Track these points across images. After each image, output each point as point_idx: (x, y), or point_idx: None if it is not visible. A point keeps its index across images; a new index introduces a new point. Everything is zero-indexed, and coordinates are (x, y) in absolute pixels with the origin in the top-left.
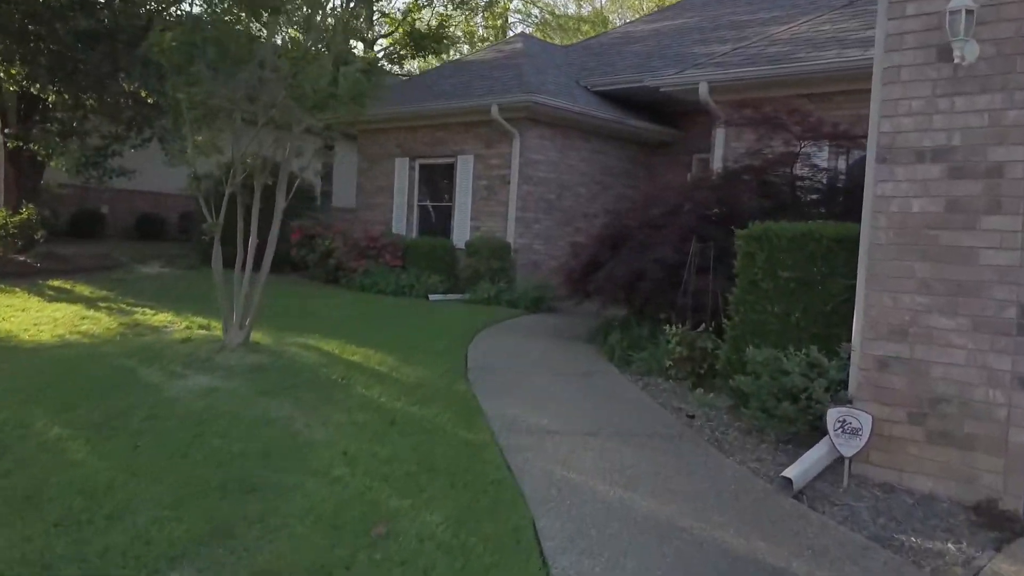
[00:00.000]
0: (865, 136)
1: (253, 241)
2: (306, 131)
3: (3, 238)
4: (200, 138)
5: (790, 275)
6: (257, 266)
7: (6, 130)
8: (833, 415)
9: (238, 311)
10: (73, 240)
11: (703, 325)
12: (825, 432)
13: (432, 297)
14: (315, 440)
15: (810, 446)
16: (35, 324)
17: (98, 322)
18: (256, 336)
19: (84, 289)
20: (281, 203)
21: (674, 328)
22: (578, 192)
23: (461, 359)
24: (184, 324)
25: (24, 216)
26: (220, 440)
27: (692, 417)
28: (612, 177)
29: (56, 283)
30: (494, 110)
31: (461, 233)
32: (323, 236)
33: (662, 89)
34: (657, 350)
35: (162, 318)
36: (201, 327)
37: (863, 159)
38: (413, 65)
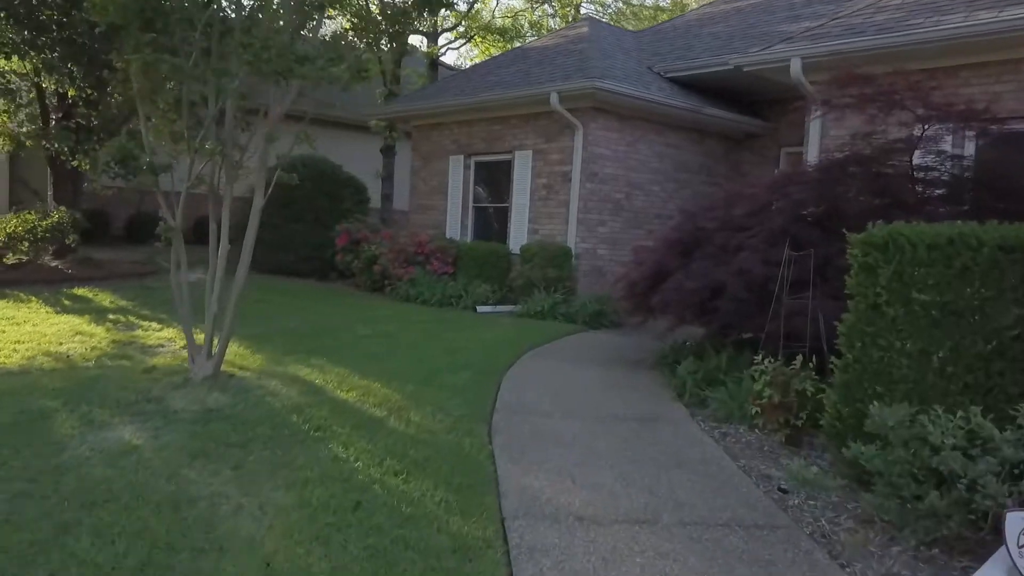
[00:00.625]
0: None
1: (223, 251)
2: (288, 117)
3: (32, 242)
4: (155, 120)
5: (931, 298)
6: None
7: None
8: (1016, 523)
9: (207, 334)
10: (127, 245)
11: (800, 359)
12: (999, 540)
13: (480, 309)
14: (236, 536)
15: (968, 554)
16: (17, 342)
17: (88, 340)
18: (247, 359)
19: (105, 298)
20: (259, 201)
21: (762, 361)
22: (650, 191)
23: (489, 395)
24: (182, 344)
25: (55, 219)
26: (91, 540)
27: (786, 492)
28: (689, 174)
29: (79, 291)
30: (553, 99)
31: (518, 237)
32: (370, 241)
33: (746, 68)
34: (739, 389)
35: (165, 335)
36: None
37: (996, 144)
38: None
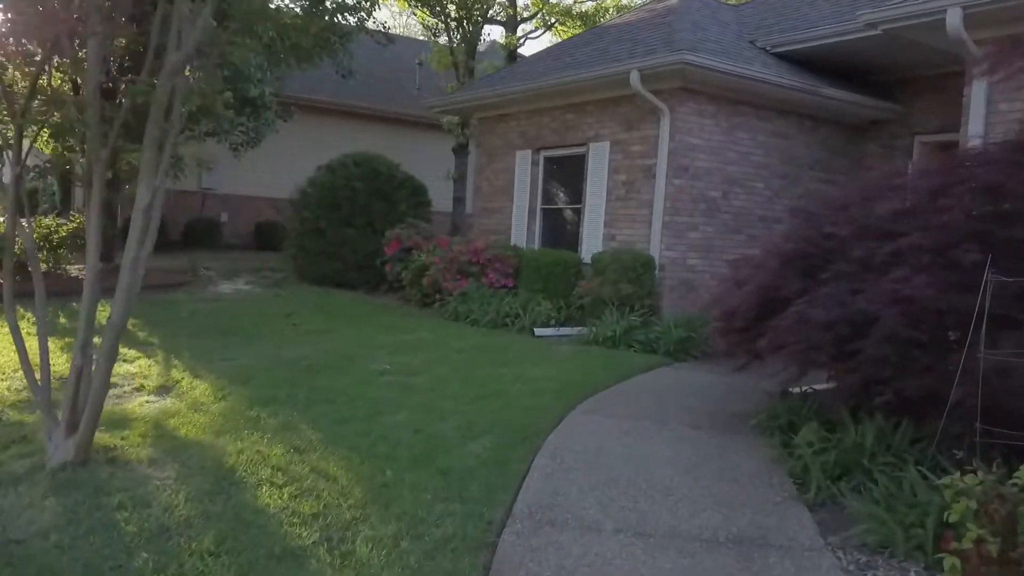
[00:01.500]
0: None
1: (93, 265)
2: (343, 113)
3: (50, 250)
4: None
5: None
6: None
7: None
8: None
9: (67, 399)
10: (183, 251)
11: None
12: None
13: (539, 332)
14: None
15: None
16: None
17: (9, 378)
18: (188, 417)
19: (103, 316)
20: (143, 197)
21: (956, 465)
22: (752, 188)
23: (508, 487)
24: (133, 386)
25: (75, 224)
26: None
27: None
28: (799, 169)
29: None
30: (634, 78)
31: (592, 244)
32: (423, 249)
33: (884, 27)
34: (899, 504)
35: (136, 368)
36: (175, 384)
37: None
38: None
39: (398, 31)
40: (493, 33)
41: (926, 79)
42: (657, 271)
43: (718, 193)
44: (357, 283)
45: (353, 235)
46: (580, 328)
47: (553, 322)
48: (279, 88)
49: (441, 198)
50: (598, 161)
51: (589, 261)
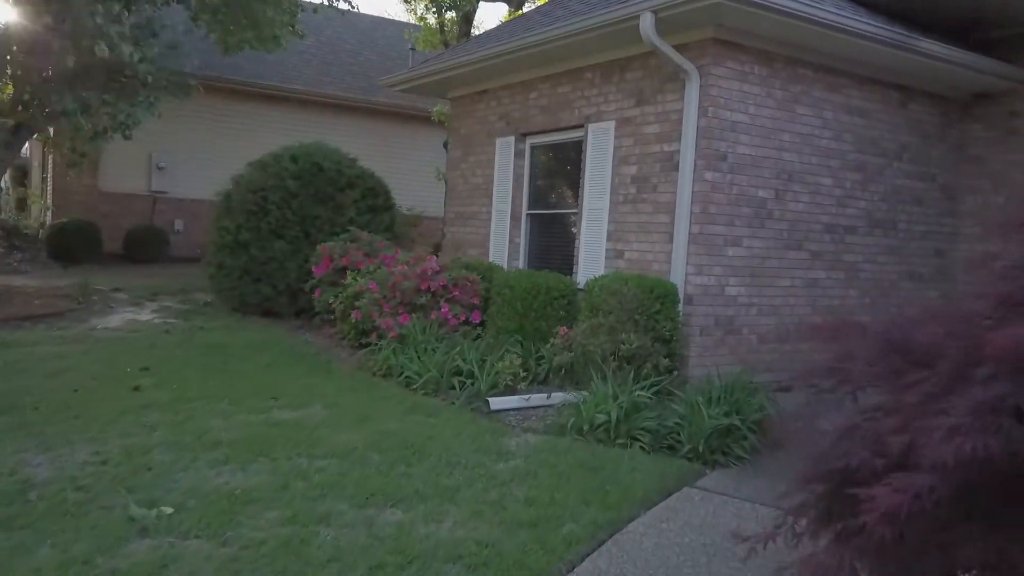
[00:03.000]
0: None
1: None
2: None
3: None
4: None
5: None
6: None
7: None
8: None
9: None
10: (121, 264)
11: None
12: None
13: (496, 404)
14: None
15: None
16: None
17: None
18: None
19: None
20: None
21: None
22: (817, 185)
23: None
24: None
25: None
26: None
27: None
28: (882, 159)
29: None
30: (646, 24)
31: (591, 263)
32: (361, 270)
33: None
34: None
35: None
36: None
37: None
38: None
39: (394, 15)
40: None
41: None
42: (681, 306)
43: (769, 192)
44: (288, 312)
45: (283, 250)
46: (563, 394)
47: (523, 384)
48: (197, 66)
49: (435, 202)
50: (599, 148)
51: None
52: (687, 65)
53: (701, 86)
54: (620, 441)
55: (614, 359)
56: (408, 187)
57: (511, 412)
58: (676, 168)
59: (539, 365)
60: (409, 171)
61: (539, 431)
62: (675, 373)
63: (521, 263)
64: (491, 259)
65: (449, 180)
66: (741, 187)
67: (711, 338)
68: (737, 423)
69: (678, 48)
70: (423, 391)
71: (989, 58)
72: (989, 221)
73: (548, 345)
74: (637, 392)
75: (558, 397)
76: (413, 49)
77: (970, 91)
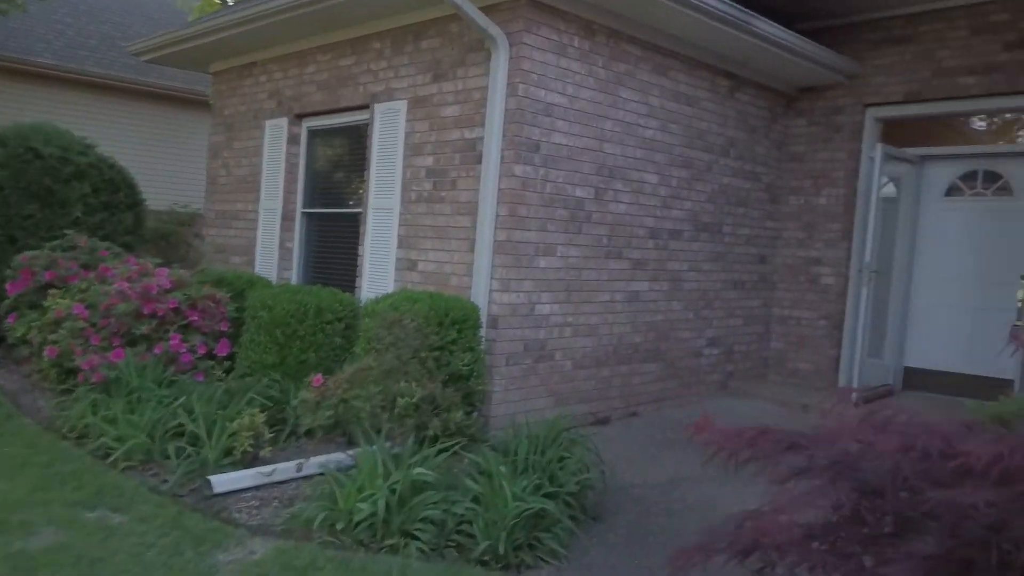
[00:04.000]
0: None
1: None
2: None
3: None
4: None
5: None
6: None
7: None
8: None
9: None
10: None
11: None
12: None
13: (221, 485)
14: None
15: None
16: None
17: None
18: None
19: None
20: None
21: None
22: (642, 183)
23: None
24: None
25: None
26: None
27: None
28: (710, 155)
29: None
30: None
31: (377, 276)
32: (79, 284)
33: None
34: None
35: None
36: None
37: None
38: None
39: None
40: None
41: (885, 24)
42: (483, 331)
43: (588, 191)
44: None
45: None
46: (324, 458)
47: (269, 448)
48: None
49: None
50: (388, 134)
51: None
52: (494, 31)
53: (510, 58)
54: (391, 541)
55: (389, 416)
56: (187, 181)
57: (245, 494)
58: (479, 160)
59: (295, 420)
60: (187, 163)
61: (275, 531)
62: (474, 416)
63: (294, 275)
64: (257, 270)
65: (209, 171)
66: (556, 184)
67: (519, 367)
68: (551, 508)
69: (485, 10)
70: (126, 464)
71: (826, 48)
72: (810, 225)
73: (295, 401)
74: (417, 469)
75: (317, 464)
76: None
77: (796, 83)
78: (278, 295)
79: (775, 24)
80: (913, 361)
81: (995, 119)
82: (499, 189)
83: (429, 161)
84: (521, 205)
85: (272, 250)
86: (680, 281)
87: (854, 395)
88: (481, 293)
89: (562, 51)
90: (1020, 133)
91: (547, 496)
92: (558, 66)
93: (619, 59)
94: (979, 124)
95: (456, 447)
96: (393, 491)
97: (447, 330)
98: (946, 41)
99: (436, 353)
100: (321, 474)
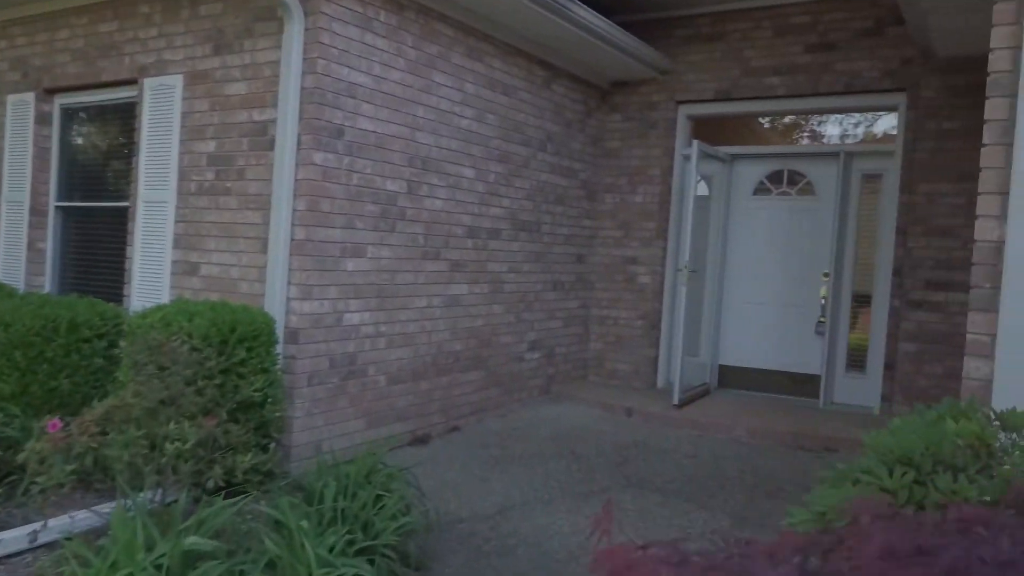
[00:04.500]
0: None
1: None
2: None
3: None
4: None
5: None
6: None
7: None
8: None
9: None
10: None
11: None
12: None
13: None
14: None
15: None
16: None
17: None
18: None
19: None
20: None
21: None
22: (459, 177)
23: None
24: None
25: None
26: None
27: None
28: (527, 147)
29: None
30: None
31: (150, 282)
32: None
33: None
34: None
35: None
36: None
37: None
38: None
39: None
40: None
41: (695, 21)
42: (280, 347)
43: (400, 185)
44: None
45: None
46: (70, 519)
47: None
48: None
49: None
50: (161, 114)
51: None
52: None
53: (307, 29)
54: None
55: (156, 466)
56: None
57: None
58: (272, 146)
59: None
60: None
61: None
62: (272, 449)
63: (48, 283)
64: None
65: None
66: (364, 176)
67: (325, 387)
68: (366, 573)
69: None
70: None
71: (642, 41)
72: (626, 223)
73: (22, 455)
74: (190, 539)
75: (59, 529)
76: None
77: (611, 77)
78: (18, 308)
79: (593, 11)
80: (728, 359)
81: (801, 120)
82: (296, 180)
83: (212, 146)
84: (323, 199)
85: (19, 252)
86: (500, 283)
87: (676, 397)
88: (277, 302)
89: (367, 25)
90: (823, 134)
91: (362, 552)
92: (363, 42)
93: (431, 39)
94: (785, 124)
95: (246, 498)
96: (159, 567)
97: (234, 349)
98: (753, 41)
99: (219, 379)
100: (76, 533)
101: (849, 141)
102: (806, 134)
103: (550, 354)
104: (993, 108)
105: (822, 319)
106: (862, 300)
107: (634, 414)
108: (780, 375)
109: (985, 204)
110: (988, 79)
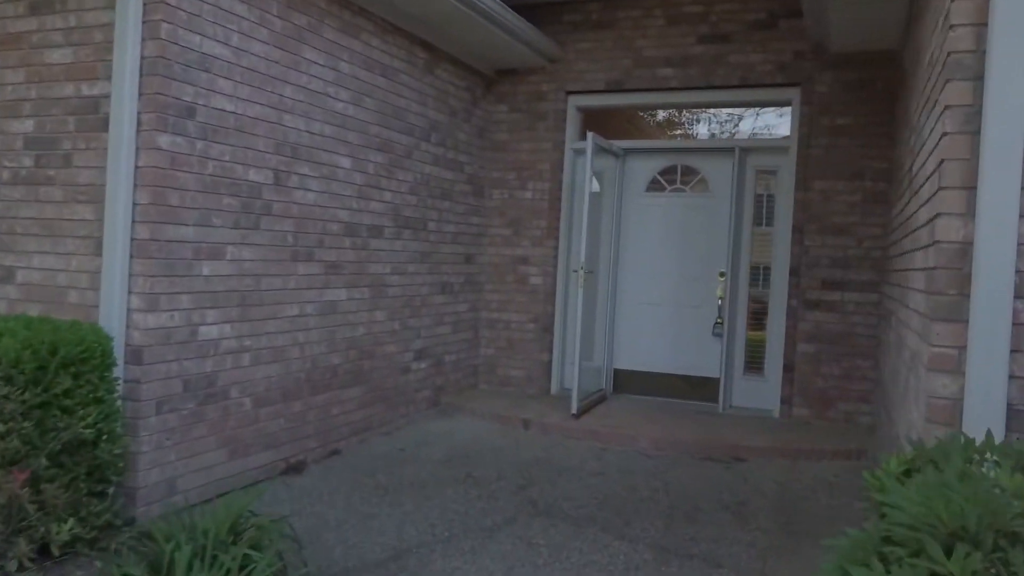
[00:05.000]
0: None
1: None
2: None
3: None
4: None
5: None
6: None
7: None
8: None
9: None
10: None
11: None
12: None
13: None
14: None
15: None
16: None
17: None
18: None
19: None
20: None
21: None
22: (334, 168)
23: None
24: None
25: None
26: None
27: None
28: (409, 136)
29: None
30: None
31: None
32: None
33: None
34: None
35: None
36: None
37: None
38: None
39: None
40: None
41: (584, 6)
42: (120, 369)
43: (266, 175)
44: None
45: None
46: None
47: None
48: None
49: None
50: None
51: None
52: None
53: None
54: None
55: None
56: None
57: None
58: (106, 126)
59: None
60: None
61: None
62: (111, 495)
63: None
64: None
65: None
66: (222, 163)
67: (178, 415)
68: None
69: None
70: None
71: (531, 24)
72: (516, 221)
73: None
74: None
75: None
76: None
77: (497, 63)
78: None
79: None
80: (623, 362)
81: (694, 113)
82: (137, 167)
83: (29, 126)
84: (171, 190)
85: None
86: (383, 286)
87: (575, 406)
88: (116, 315)
89: None
90: (715, 128)
91: None
92: (218, 6)
93: (299, 8)
94: (678, 118)
95: (84, 544)
96: None
97: (55, 377)
98: (645, 30)
99: (36, 415)
100: None
101: (739, 136)
102: (688, 130)
103: (439, 363)
104: (954, 93)
105: (719, 320)
106: (758, 300)
107: (531, 426)
108: (677, 379)
109: (947, 201)
110: (948, 59)
